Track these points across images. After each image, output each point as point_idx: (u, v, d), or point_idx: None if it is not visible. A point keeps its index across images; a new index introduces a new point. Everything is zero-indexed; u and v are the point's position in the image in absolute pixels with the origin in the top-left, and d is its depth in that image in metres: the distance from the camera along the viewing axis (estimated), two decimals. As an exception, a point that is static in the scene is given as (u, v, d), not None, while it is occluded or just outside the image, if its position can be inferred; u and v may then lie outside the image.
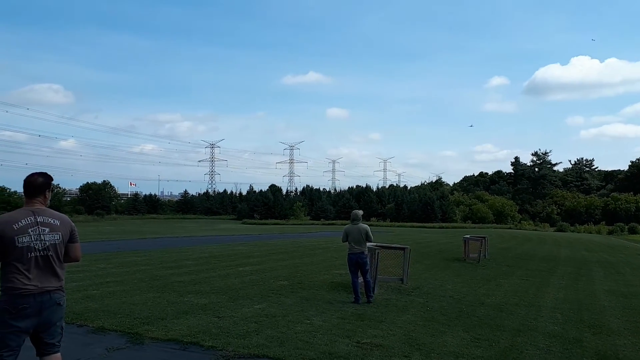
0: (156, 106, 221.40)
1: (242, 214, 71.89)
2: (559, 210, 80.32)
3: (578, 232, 59.58)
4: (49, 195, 3.60)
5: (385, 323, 7.14)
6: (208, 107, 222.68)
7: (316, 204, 75.82)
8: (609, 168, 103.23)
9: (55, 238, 3.49)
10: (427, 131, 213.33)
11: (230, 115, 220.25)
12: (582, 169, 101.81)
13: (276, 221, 63.91)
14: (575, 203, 79.56)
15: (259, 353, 5.41)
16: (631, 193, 77.45)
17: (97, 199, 69.19)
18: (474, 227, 58.35)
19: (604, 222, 68.99)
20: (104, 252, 16.22)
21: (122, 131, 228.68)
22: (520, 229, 60.94)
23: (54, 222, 3.51)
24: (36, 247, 3.39)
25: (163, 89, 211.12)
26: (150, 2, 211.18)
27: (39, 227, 3.42)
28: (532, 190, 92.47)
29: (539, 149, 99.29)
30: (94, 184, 72.26)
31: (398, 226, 58.12)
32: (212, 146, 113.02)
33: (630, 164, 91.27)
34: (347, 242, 8.86)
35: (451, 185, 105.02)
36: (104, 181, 74.46)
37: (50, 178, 3.61)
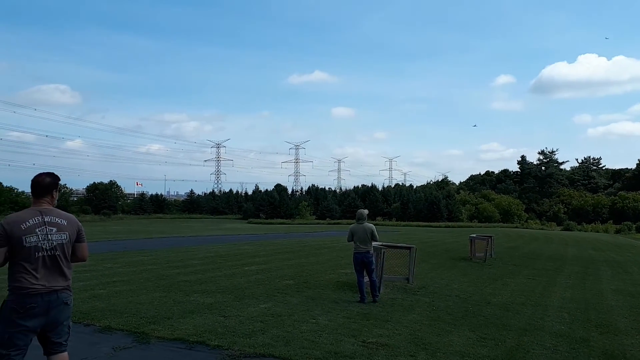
0: (162, 106, 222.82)
1: (248, 214, 71.99)
2: (565, 209, 79.87)
3: (585, 231, 59.23)
4: (56, 195, 3.62)
5: (391, 322, 7.13)
6: (214, 107, 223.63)
7: (322, 203, 75.80)
8: (617, 166, 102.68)
9: (63, 238, 3.51)
10: (433, 130, 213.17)
11: (236, 115, 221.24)
12: (589, 168, 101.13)
13: (282, 221, 63.93)
14: (583, 202, 79.09)
15: (264, 352, 5.42)
16: (639, 191, 76.86)
17: (103, 198, 69.56)
18: (480, 226, 58.13)
19: (611, 221, 68.46)
20: (111, 252, 16.30)
21: (129, 131, 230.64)
22: (526, 228, 60.67)
23: (61, 221, 3.53)
24: (44, 246, 3.41)
25: (169, 89, 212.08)
26: (157, 2, 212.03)
27: (46, 227, 3.45)
28: (538, 189, 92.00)
29: (546, 148, 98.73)
30: (101, 183, 72.68)
31: (404, 225, 57.99)
32: (218, 146, 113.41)
33: (638, 162, 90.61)
34: (353, 242, 8.85)
35: (457, 184, 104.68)
36: (111, 181, 74.95)
37: (57, 178, 3.63)
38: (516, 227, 63.89)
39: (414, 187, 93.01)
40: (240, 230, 38.79)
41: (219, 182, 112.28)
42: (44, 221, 3.45)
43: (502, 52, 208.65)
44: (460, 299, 9.38)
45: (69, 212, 3.84)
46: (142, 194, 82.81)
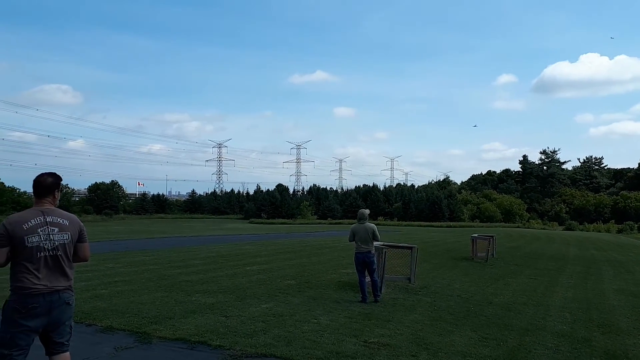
0: (164, 106, 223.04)
1: (250, 214, 72.05)
2: (567, 208, 79.77)
3: (587, 231, 59.15)
4: (58, 195, 3.63)
5: (393, 322, 7.13)
6: (216, 107, 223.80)
7: (323, 203, 75.82)
8: (619, 166, 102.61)
9: (65, 238, 3.51)
10: (434, 130, 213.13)
11: (238, 114, 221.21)
12: (591, 167, 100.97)
13: (283, 220, 63.97)
14: (584, 201, 78.98)
15: (266, 352, 5.42)
16: (641, 191, 76.74)
17: (105, 198, 69.66)
18: (482, 226, 58.13)
19: (613, 221, 68.35)
20: (113, 252, 16.32)
21: (130, 131, 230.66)
22: (528, 228, 60.63)
23: (63, 222, 3.53)
24: (45, 246, 3.42)
25: (171, 89, 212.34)
26: (159, 2, 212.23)
27: (48, 227, 3.45)
28: (540, 188, 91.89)
29: (548, 147, 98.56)
30: (102, 184, 72.79)
31: (405, 225, 57.98)
32: (220, 146, 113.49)
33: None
34: (354, 242, 8.85)
35: (459, 184, 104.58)
36: (112, 181, 75.07)
37: (59, 178, 3.64)
38: (518, 227, 63.85)
39: (416, 187, 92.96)
40: (242, 230, 38.81)
41: (221, 182, 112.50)
42: (46, 221, 3.46)
43: (504, 51, 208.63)
44: (462, 299, 9.37)
45: (71, 212, 3.84)
46: (144, 194, 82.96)
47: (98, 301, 7.90)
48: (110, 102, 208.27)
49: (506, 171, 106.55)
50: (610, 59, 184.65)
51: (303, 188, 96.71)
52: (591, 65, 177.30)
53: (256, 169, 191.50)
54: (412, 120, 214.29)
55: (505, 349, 6.03)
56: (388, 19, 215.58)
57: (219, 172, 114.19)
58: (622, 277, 14.46)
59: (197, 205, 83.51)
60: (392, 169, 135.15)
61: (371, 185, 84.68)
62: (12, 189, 57.38)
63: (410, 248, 11.04)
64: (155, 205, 78.08)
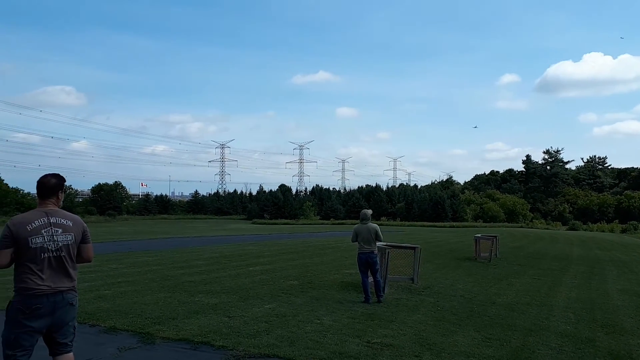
0: (167, 107, 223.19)
1: (252, 214, 72.13)
2: (571, 208, 79.59)
3: (591, 231, 58.99)
4: (61, 196, 3.64)
5: (396, 323, 7.13)
6: (218, 108, 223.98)
7: (326, 203, 75.84)
8: (622, 166, 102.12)
9: (68, 239, 3.52)
10: (437, 130, 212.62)
11: (241, 115, 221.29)
12: (594, 167, 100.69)
13: (286, 221, 64.00)
14: (588, 201, 78.78)
15: (269, 353, 5.43)
16: (645, 191, 76.51)
17: (108, 199, 69.82)
18: (485, 226, 58.04)
19: (617, 221, 68.18)
20: (116, 253, 16.36)
21: (134, 132, 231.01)
22: (532, 228, 60.50)
23: (66, 222, 3.55)
24: (49, 247, 3.43)
25: (174, 90, 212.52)
26: (161, 3, 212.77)
27: (52, 228, 3.46)
28: (543, 188, 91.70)
29: (551, 147, 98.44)
30: (106, 184, 72.96)
31: (408, 225, 57.93)
32: (223, 146, 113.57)
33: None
34: (357, 242, 8.85)
35: (462, 184, 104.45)
36: (116, 182, 75.29)
37: (63, 179, 3.65)
38: (521, 226, 63.73)
39: (419, 187, 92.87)
40: (245, 230, 38.85)
41: (224, 182, 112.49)
42: (50, 222, 3.47)
43: (507, 51, 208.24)
44: (465, 299, 9.36)
45: (74, 213, 3.86)
46: (147, 195, 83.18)
47: (101, 302, 7.92)
48: (113, 103, 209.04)
49: (509, 171, 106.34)
50: (614, 59, 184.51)
51: (306, 188, 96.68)
52: (595, 64, 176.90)
53: (259, 169, 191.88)
54: (415, 120, 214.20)
55: (509, 349, 6.01)
56: (390, 18, 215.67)
57: (222, 173, 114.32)
58: (626, 277, 14.41)
59: (200, 205, 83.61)
60: (394, 169, 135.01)
61: (374, 185, 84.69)
62: (16, 190, 57.61)
63: (413, 248, 11.03)
64: (159, 206, 78.23)
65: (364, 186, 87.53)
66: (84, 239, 3.64)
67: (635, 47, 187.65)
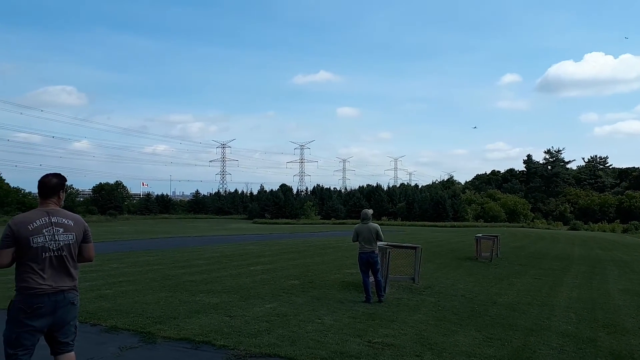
0: (168, 107, 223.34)
1: (253, 214, 72.18)
2: (572, 208, 79.53)
3: (592, 231, 58.95)
4: (63, 195, 3.64)
5: (397, 322, 7.12)
6: (219, 108, 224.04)
7: (327, 203, 75.85)
8: (624, 165, 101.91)
9: (69, 238, 3.53)
10: (438, 130, 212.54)
11: (241, 115, 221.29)
12: (596, 167, 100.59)
13: (287, 220, 64.05)
14: (589, 201, 78.72)
15: (270, 352, 5.43)
16: (646, 191, 76.40)
17: (109, 199, 69.91)
18: (486, 226, 58.04)
19: (618, 220, 68.10)
20: (117, 252, 16.37)
21: (134, 132, 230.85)
22: (533, 228, 60.47)
23: (67, 222, 3.55)
24: (50, 247, 3.43)
25: (175, 90, 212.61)
26: (161, 3, 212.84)
27: (53, 228, 3.46)
28: (545, 188, 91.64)
29: (552, 147, 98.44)
30: (107, 184, 73.05)
31: (409, 225, 57.94)
32: (223, 146, 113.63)
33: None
34: (358, 242, 8.85)
35: (463, 183, 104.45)
36: (117, 182, 75.40)
37: (64, 179, 3.65)
38: (522, 226, 63.72)
39: (420, 186, 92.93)
40: (246, 230, 38.87)
41: (224, 182, 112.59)
42: (51, 222, 3.47)
43: (508, 51, 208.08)
44: (466, 299, 9.35)
45: (76, 213, 3.86)
46: (148, 195, 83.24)
47: (102, 301, 7.93)
48: (114, 103, 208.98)
49: (510, 171, 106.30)
50: (615, 58, 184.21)
51: (307, 188, 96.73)
52: (596, 64, 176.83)
53: (260, 169, 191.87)
54: (416, 120, 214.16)
55: (510, 349, 6.01)
56: (391, 18, 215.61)
57: (223, 173, 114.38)
58: (627, 277, 14.39)
59: (201, 205, 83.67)
60: (395, 168, 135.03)
61: (375, 185, 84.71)
62: (17, 190, 57.70)
63: (414, 248, 11.03)
64: (160, 205, 78.31)
65: (365, 186, 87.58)
66: (85, 239, 3.64)
67: (637, 47, 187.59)
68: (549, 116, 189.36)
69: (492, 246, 17.23)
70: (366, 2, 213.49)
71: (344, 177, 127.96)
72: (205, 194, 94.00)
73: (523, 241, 29.87)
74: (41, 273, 3.40)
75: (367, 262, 8.71)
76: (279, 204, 72.71)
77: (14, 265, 3.44)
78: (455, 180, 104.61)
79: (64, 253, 3.49)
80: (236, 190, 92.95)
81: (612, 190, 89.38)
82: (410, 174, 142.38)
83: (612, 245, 30.18)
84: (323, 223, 61.62)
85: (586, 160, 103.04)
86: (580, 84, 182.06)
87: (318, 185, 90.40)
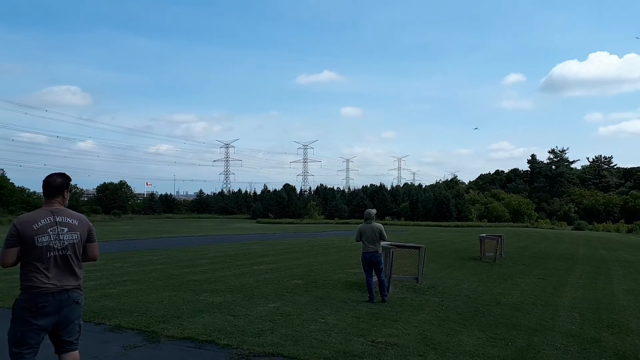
0: (172, 107, 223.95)
1: (257, 213, 72.15)
2: (576, 208, 79.22)
3: (596, 231, 58.69)
4: (67, 195, 3.66)
5: (400, 322, 7.12)
6: (223, 108, 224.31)
7: (330, 203, 75.77)
8: (628, 165, 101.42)
9: (74, 238, 3.54)
10: (442, 129, 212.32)
11: (245, 115, 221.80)
12: (600, 167, 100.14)
13: (290, 220, 63.99)
14: (594, 201, 78.39)
15: (273, 351, 5.43)
16: (651, 191, 76.02)
17: (113, 198, 70.02)
18: (490, 226, 57.85)
19: (623, 221, 67.71)
20: (121, 252, 16.42)
21: (139, 132, 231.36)
22: (537, 228, 60.27)
23: (72, 221, 3.56)
24: (55, 246, 3.44)
25: (178, 90, 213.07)
26: (165, 3, 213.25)
27: (58, 227, 3.48)
28: (549, 188, 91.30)
29: (556, 147, 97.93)
30: (111, 184, 73.16)
31: (413, 225, 57.80)
32: (227, 146, 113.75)
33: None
34: (361, 241, 8.85)
35: (467, 183, 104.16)
36: (121, 181, 75.40)
37: (68, 178, 3.67)
38: (526, 226, 63.49)
39: (423, 186, 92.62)
40: (249, 229, 38.90)
41: (228, 182, 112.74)
42: (56, 221, 3.48)
43: (512, 50, 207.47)
44: (470, 299, 9.34)
45: (80, 212, 3.87)
46: (152, 194, 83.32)
47: (106, 300, 7.95)
48: (118, 103, 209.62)
49: (514, 171, 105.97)
50: (620, 58, 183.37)
51: (310, 188, 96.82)
52: (600, 63, 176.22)
53: (263, 169, 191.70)
54: (420, 120, 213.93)
55: (514, 349, 6.00)
56: (394, 18, 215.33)
57: (227, 172, 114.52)
58: (631, 277, 14.33)
59: (204, 205, 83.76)
60: (399, 168, 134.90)
61: (378, 185, 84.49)
62: (22, 190, 57.85)
63: (418, 248, 11.01)
64: (163, 205, 78.41)
65: (368, 186, 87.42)
66: (89, 238, 3.66)
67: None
68: (553, 116, 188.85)
69: (496, 246, 17.19)
70: (369, 1, 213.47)
71: (347, 177, 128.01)
72: (209, 193, 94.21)
73: (527, 241, 29.79)
74: (46, 272, 3.41)
75: (371, 262, 8.71)
76: (282, 204, 72.68)
77: (19, 264, 3.46)
78: (459, 180, 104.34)
79: (69, 252, 3.50)
80: (240, 190, 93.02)
81: (617, 190, 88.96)
82: (413, 173, 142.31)
83: (616, 245, 30.06)
84: (326, 223, 61.58)
85: (591, 160, 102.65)
86: (584, 84, 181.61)
87: (321, 185, 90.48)
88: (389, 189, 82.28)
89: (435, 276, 12.13)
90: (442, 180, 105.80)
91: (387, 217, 66.04)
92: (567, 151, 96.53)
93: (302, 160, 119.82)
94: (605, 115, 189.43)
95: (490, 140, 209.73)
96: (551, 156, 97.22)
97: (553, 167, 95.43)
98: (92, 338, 5.69)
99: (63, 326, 3.52)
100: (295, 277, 11.32)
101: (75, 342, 3.63)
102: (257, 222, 60.42)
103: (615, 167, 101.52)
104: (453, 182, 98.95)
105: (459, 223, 61.32)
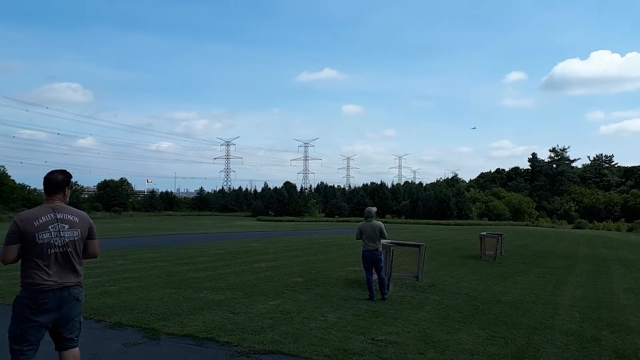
0: (173, 104, 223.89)
1: (257, 211, 72.21)
2: (577, 207, 79.28)
3: (597, 229, 58.66)
4: (68, 192, 3.66)
5: (400, 320, 7.12)
6: (224, 105, 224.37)
7: (330, 200, 75.83)
8: (630, 164, 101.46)
9: (75, 235, 3.54)
10: (443, 128, 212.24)
11: (246, 112, 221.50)
12: (601, 165, 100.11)
13: (291, 218, 64.04)
14: (594, 200, 78.42)
15: (273, 349, 5.44)
16: (652, 189, 75.99)
17: (114, 196, 70.12)
18: (491, 224, 57.86)
19: (623, 219, 67.74)
20: (121, 249, 16.43)
21: (140, 129, 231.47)
22: (537, 226, 60.27)
23: (73, 218, 3.56)
24: (56, 243, 3.45)
25: (180, 87, 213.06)
26: (167, 1, 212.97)
27: (58, 224, 3.48)
28: (549, 186, 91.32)
29: (557, 145, 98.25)
30: (112, 181, 73.26)
31: (413, 223, 57.82)
32: (228, 144, 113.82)
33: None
34: (362, 240, 8.85)
35: (467, 182, 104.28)
36: (121, 178, 75.54)
37: (69, 175, 3.67)
38: (527, 225, 63.51)
39: (424, 184, 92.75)
40: (250, 227, 38.92)
41: (229, 179, 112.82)
42: (57, 218, 3.49)
43: (514, 48, 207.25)
44: (470, 297, 9.34)
45: (80, 209, 3.87)
46: (153, 192, 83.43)
47: (107, 297, 7.97)
48: (120, 100, 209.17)
49: (515, 169, 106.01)
50: (622, 56, 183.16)
51: (310, 186, 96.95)
52: (602, 62, 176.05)
53: (264, 166, 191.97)
54: (421, 118, 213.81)
55: (514, 348, 6.00)
56: (396, 16, 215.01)
57: (227, 170, 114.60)
58: (632, 275, 14.33)
59: (205, 202, 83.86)
60: (400, 166, 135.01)
61: (379, 183, 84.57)
62: (23, 187, 57.90)
63: (418, 246, 11.01)
64: (164, 202, 78.53)
65: (369, 184, 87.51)
66: (90, 235, 3.66)
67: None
68: (555, 114, 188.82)
69: (497, 244, 17.19)
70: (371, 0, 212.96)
71: (348, 175, 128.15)
72: (210, 191, 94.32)
73: (527, 240, 29.79)
74: (46, 269, 3.41)
75: (371, 260, 8.72)
76: (282, 202, 72.73)
77: (20, 261, 3.47)
78: (460, 179, 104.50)
79: (69, 249, 3.51)
80: (240, 187, 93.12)
81: (618, 189, 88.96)
82: (414, 172, 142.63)
83: (617, 244, 30.05)
84: (327, 221, 61.62)
85: (591, 158, 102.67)
86: (586, 82, 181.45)
87: (322, 183, 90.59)
88: (389, 187, 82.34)
89: (435, 274, 12.14)
90: (443, 178, 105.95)
91: (388, 216, 66.09)
92: (568, 150, 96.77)
93: (302, 158, 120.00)
94: (606, 114, 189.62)
95: (491, 139, 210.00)
96: (552, 155, 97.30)
97: (554, 165, 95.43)
98: (92, 335, 5.70)
99: (63, 323, 3.52)
100: (296, 274, 11.33)
101: (76, 339, 3.64)
102: (258, 220, 60.46)
103: (616, 165, 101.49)
104: (454, 181, 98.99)
105: (460, 221, 61.34)
